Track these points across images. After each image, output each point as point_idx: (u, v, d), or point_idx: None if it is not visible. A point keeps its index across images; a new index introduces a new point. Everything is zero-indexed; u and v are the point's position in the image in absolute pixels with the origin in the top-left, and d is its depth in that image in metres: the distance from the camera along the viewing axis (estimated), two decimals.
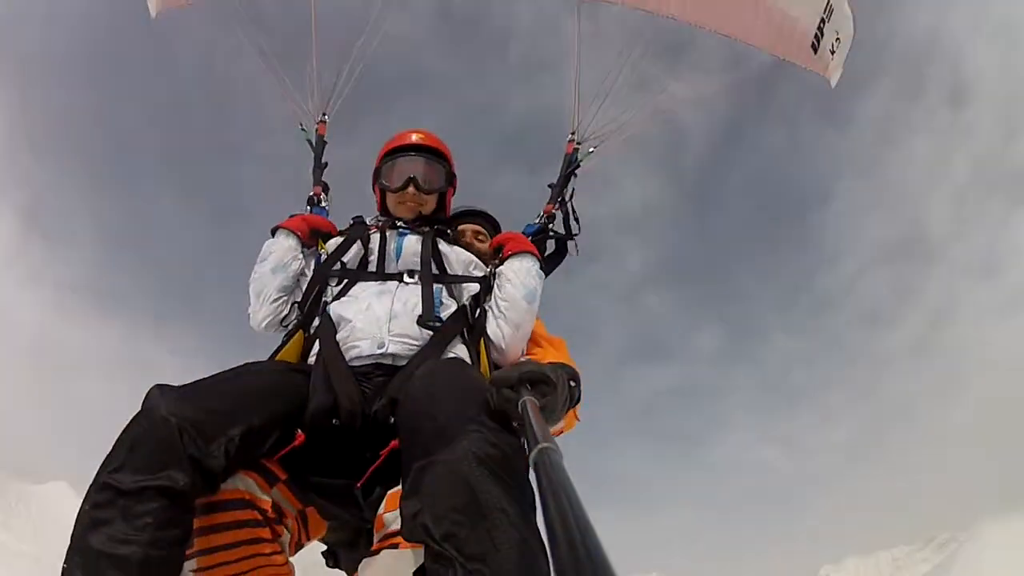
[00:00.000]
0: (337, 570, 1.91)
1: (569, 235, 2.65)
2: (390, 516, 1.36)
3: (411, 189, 2.28)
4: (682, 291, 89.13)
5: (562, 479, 0.77)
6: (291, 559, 1.59)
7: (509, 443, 1.24)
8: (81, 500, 1.27)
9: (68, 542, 1.23)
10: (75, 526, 1.24)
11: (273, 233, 2.20)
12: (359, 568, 1.35)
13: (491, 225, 2.70)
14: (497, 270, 2.16)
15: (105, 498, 1.23)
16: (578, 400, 1.53)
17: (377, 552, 1.32)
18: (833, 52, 3.70)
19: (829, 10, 3.38)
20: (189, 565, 1.36)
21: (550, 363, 1.48)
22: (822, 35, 3.64)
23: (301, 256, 2.18)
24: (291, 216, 2.31)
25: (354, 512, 1.59)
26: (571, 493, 0.73)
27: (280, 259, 2.11)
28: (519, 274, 2.10)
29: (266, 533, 1.46)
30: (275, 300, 2.09)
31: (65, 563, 1.21)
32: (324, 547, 1.90)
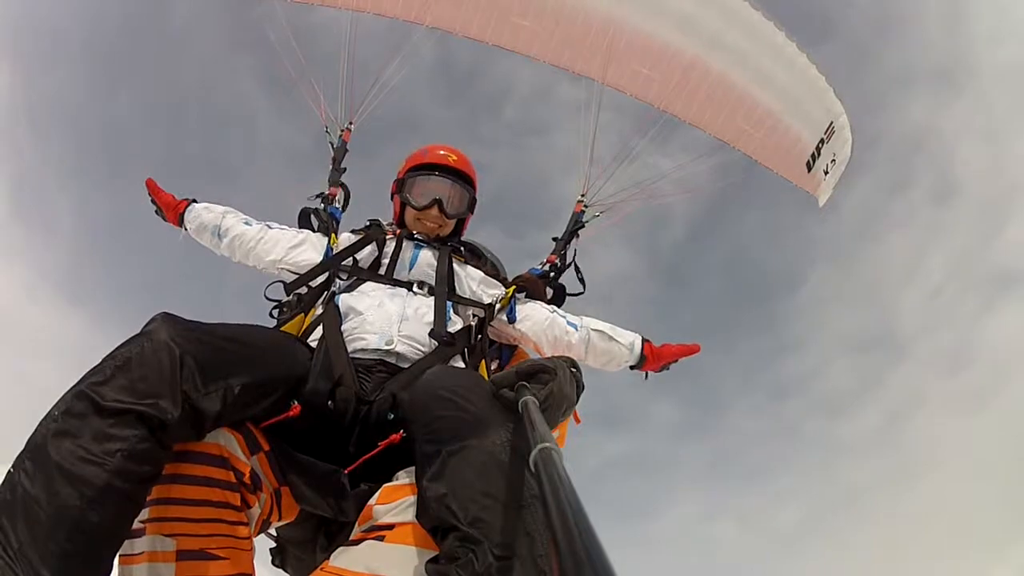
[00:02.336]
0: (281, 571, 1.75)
1: (562, 293, 2.69)
2: (381, 508, 1.27)
3: (435, 211, 2.30)
4: None
5: (563, 479, 0.75)
6: (254, 538, 1.43)
7: None
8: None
9: (24, 445, 1.10)
10: (36, 429, 1.11)
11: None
12: (333, 555, 1.23)
13: (491, 265, 2.62)
14: (636, 360, 2.33)
15: (80, 408, 1.11)
16: (582, 387, 1.50)
17: (358, 542, 1.23)
18: (827, 173, 3.85)
19: (830, 132, 3.48)
20: (139, 515, 1.22)
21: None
22: (819, 155, 3.68)
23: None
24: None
25: (330, 501, 1.48)
26: (571, 493, 0.71)
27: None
28: (616, 361, 2.32)
29: (235, 499, 1.34)
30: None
31: (12, 467, 1.08)
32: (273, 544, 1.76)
